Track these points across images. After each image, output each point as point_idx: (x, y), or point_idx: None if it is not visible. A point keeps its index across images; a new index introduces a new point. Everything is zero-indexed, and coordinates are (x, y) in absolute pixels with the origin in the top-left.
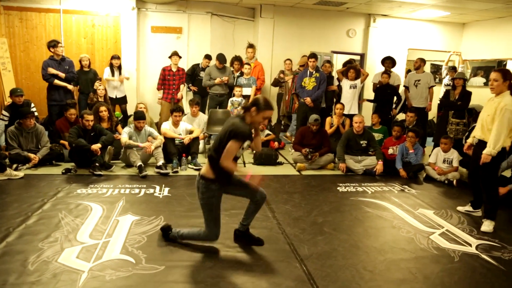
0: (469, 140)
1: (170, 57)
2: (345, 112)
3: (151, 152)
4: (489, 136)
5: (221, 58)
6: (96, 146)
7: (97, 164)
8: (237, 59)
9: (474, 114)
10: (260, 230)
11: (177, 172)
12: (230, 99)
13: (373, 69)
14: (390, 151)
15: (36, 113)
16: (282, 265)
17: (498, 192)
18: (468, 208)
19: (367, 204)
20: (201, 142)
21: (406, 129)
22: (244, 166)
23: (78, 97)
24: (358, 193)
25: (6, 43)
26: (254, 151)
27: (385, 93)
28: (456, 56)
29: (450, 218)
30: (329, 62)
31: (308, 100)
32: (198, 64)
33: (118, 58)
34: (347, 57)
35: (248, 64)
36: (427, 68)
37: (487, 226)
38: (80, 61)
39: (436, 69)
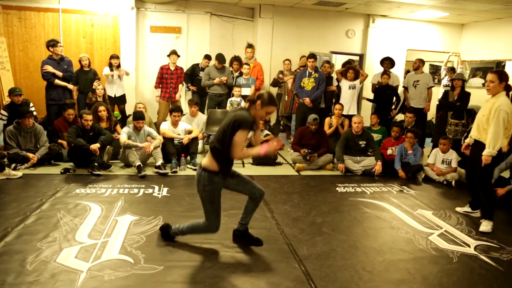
0: (467, 140)
1: (168, 55)
2: (344, 112)
3: (150, 152)
4: (485, 136)
5: (220, 58)
6: (95, 146)
7: (96, 164)
8: (236, 59)
9: (473, 114)
10: (259, 230)
11: (176, 172)
12: (229, 99)
13: (372, 69)
14: (389, 151)
15: (34, 113)
16: (281, 265)
17: (494, 192)
18: (467, 209)
19: (366, 205)
20: (200, 142)
21: (405, 130)
22: (243, 166)
23: (77, 97)
24: (357, 194)
25: (5, 43)
26: None
27: (384, 93)
28: (455, 57)
29: (449, 219)
30: (328, 62)
31: (307, 100)
32: (198, 64)
33: (117, 57)
34: (346, 58)
35: (247, 64)
36: (426, 68)
37: (485, 226)
38: (79, 61)
39: (435, 69)
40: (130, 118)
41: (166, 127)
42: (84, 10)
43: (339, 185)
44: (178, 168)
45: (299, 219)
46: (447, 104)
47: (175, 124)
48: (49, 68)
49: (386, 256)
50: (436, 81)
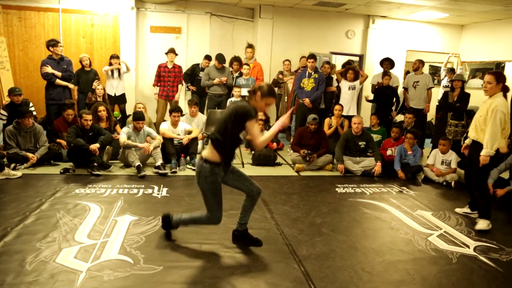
0: (467, 141)
1: (166, 53)
2: (344, 113)
3: (149, 152)
4: (482, 137)
5: (220, 58)
6: (95, 146)
7: (95, 164)
8: (236, 59)
9: (472, 115)
10: (259, 230)
11: (175, 172)
12: (229, 99)
13: (372, 70)
14: (389, 152)
15: (34, 113)
16: (281, 266)
17: (489, 191)
18: (466, 209)
19: (365, 205)
20: (200, 143)
21: (404, 131)
22: (243, 166)
23: (77, 97)
24: (357, 194)
25: (5, 42)
26: (253, 151)
27: (385, 94)
28: (454, 58)
29: (448, 220)
30: (328, 63)
31: (306, 101)
32: (198, 64)
33: (117, 57)
34: (346, 58)
35: (247, 64)
36: (425, 69)
37: (481, 224)
38: (80, 61)
39: (434, 70)
40: (130, 118)
41: (165, 127)
42: (84, 10)
43: (339, 185)
44: (177, 168)
45: (298, 220)
46: (446, 105)
47: (174, 124)
48: (48, 69)
49: (386, 256)
50: (435, 82)
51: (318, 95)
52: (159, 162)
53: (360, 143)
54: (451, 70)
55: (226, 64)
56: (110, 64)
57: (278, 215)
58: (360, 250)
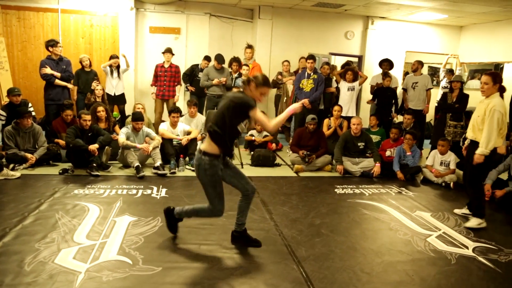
0: (467, 142)
1: (163, 53)
2: (343, 114)
3: (148, 153)
4: (480, 136)
5: (219, 58)
6: (94, 147)
7: (94, 164)
8: (235, 60)
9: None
10: (258, 231)
11: (174, 173)
12: None
13: (371, 71)
14: (388, 153)
15: (33, 113)
16: (280, 267)
17: (483, 191)
18: (465, 210)
19: (364, 206)
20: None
21: (403, 131)
22: (242, 167)
23: (77, 97)
24: (356, 195)
25: (4, 42)
26: (252, 153)
27: (385, 95)
28: (453, 59)
29: (447, 221)
30: (328, 64)
31: (306, 102)
32: (197, 65)
33: (117, 58)
34: (345, 59)
35: (247, 65)
36: (424, 70)
37: (471, 222)
38: (80, 61)
39: (433, 71)
40: (129, 119)
41: (165, 128)
42: (83, 11)
43: (338, 186)
44: (176, 169)
45: (297, 221)
46: (445, 106)
47: (174, 125)
48: (47, 70)
49: (385, 257)
50: (434, 83)
51: (317, 96)
52: (158, 162)
53: (359, 144)
54: (450, 71)
55: (225, 65)
56: (110, 64)
57: (277, 216)
58: (359, 251)
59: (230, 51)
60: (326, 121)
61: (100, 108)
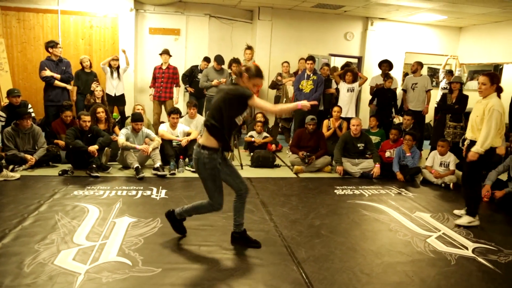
0: (466, 143)
1: (160, 54)
2: (343, 115)
3: (148, 154)
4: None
5: (219, 59)
6: (93, 148)
7: (94, 165)
8: (235, 61)
9: None
10: (257, 232)
11: (174, 174)
12: None
13: (371, 72)
14: (387, 154)
15: (33, 114)
16: (279, 268)
17: (479, 190)
18: (464, 211)
19: (364, 207)
20: None
21: (403, 132)
22: (242, 168)
23: (76, 98)
24: (355, 196)
25: (3, 44)
26: (252, 154)
27: (385, 96)
28: (453, 60)
29: (447, 221)
30: (327, 65)
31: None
32: (197, 66)
33: (117, 59)
34: (344, 60)
35: None
36: (424, 71)
37: (462, 220)
38: (81, 62)
39: (433, 72)
40: (129, 120)
41: (164, 129)
42: (83, 12)
43: (338, 187)
44: (176, 170)
45: (297, 222)
46: (445, 107)
47: (173, 126)
48: (47, 73)
49: (384, 258)
50: (434, 84)
51: (316, 97)
52: (158, 163)
53: (358, 145)
54: (450, 72)
55: (225, 66)
56: (110, 65)
57: (277, 217)
58: (359, 252)
59: (230, 52)
60: (325, 122)
61: (100, 109)
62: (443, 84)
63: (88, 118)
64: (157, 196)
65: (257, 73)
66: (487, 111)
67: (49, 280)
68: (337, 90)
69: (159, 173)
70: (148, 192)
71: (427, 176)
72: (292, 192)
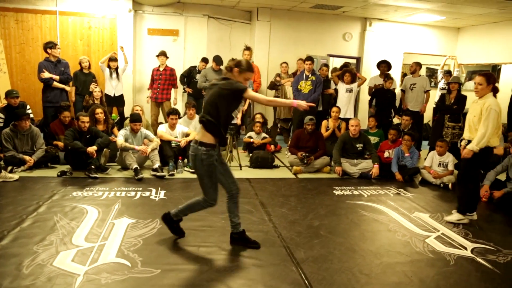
0: (462, 143)
1: (157, 56)
2: (341, 115)
3: (147, 155)
4: None
5: (217, 60)
6: (92, 149)
7: (92, 166)
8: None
9: None
10: (256, 233)
11: (173, 175)
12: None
13: (369, 72)
14: (386, 154)
15: (31, 115)
16: (279, 268)
17: (478, 189)
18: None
19: (363, 208)
20: None
21: (401, 133)
22: (240, 169)
23: (75, 98)
24: (354, 197)
25: (2, 45)
26: (251, 154)
27: (385, 97)
28: (451, 60)
29: (446, 222)
30: (326, 65)
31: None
32: (195, 67)
33: (116, 60)
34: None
35: None
36: (422, 72)
37: (452, 217)
38: (80, 63)
39: (431, 73)
40: (128, 121)
41: (163, 129)
42: (82, 13)
43: (336, 188)
44: (175, 171)
45: (296, 222)
46: (444, 107)
47: (172, 126)
48: (45, 74)
49: (383, 259)
50: (432, 84)
51: (315, 97)
52: (157, 164)
53: (357, 145)
54: (448, 73)
55: (223, 67)
56: (109, 66)
57: (276, 218)
58: (358, 252)
59: (229, 53)
60: (324, 122)
61: (99, 110)
62: (441, 84)
63: (86, 119)
64: (156, 197)
65: (248, 67)
66: (485, 111)
67: (48, 281)
68: (336, 90)
69: (158, 174)
70: (147, 193)
71: (425, 177)
72: (291, 193)
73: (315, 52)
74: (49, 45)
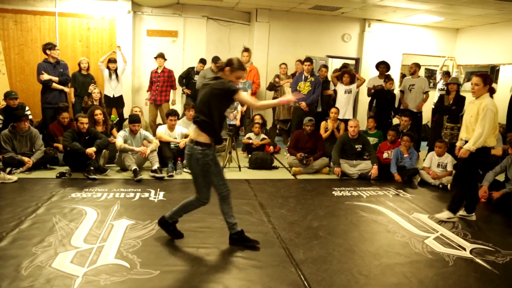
0: (458, 144)
1: (155, 57)
2: (340, 116)
3: (146, 156)
4: None
5: (216, 61)
6: (91, 150)
7: (91, 168)
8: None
9: None
10: (256, 234)
11: (172, 176)
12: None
13: (368, 73)
14: (385, 155)
15: (30, 116)
16: (278, 269)
17: (476, 190)
18: (462, 212)
19: (362, 209)
20: None
21: (400, 134)
22: (240, 170)
23: (74, 100)
24: (353, 198)
25: (1, 46)
26: (250, 155)
27: (385, 98)
28: (450, 61)
29: (445, 222)
30: (326, 66)
31: (303, 104)
32: (193, 68)
33: (115, 61)
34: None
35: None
36: (421, 73)
37: (442, 214)
38: (79, 64)
39: (430, 73)
40: (127, 122)
41: (162, 131)
42: (81, 14)
43: (335, 189)
44: (174, 172)
45: (295, 223)
46: (442, 108)
47: (171, 128)
48: (45, 76)
49: (383, 259)
50: (431, 85)
51: (314, 98)
52: (156, 166)
53: (356, 146)
54: (447, 73)
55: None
56: (108, 67)
57: (275, 219)
58: (357, 253)
59: (228, 54)
60: (323, 123)
61: (98, 111)
62: (440, 85)
63: (85, 120)
64: (155, 198)
65: (239, 66)
66: (481, 111)
67: (47, 283)
68: (335, 91)
69: (157, 175)
70: (146, 194)
71: (424, 177)
72: (290, 194)
73: (314, 53)
74: (48, 46)
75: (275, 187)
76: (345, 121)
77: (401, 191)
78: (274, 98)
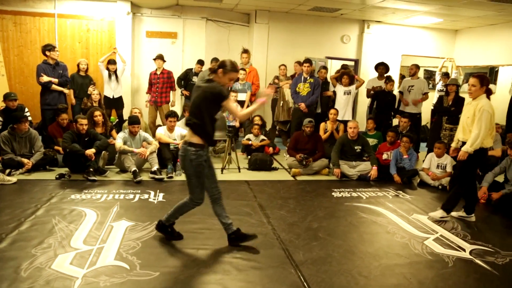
0: (453, 144)
1: (154, 59)
2: (339, 118)
3: (146, 157)
4: None
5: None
6: (90, 151)
7: (91, 169)
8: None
9: None
10: None
11: (171, 177)
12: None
13: (367, 74)
14: (385, 156)
15: (29, 118)
16: (277, 270)
17: (475, 191)
18: (462, 213)
19: (361, 210)
20: None
21: (400, 135)
22: (239, 171)
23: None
24: (353, 199)
25: (0, 47)
26: (249, 157)
27: (385, 99)
28: (449, 62)
29: (444, 224)
30: (325, 67)
31: (302, 105)
32: (191, 69)
33: (114, 63)
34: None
35: (243, 69)
36: (420, 74)
37: (436, 213)
38: (78, 65)
39: (429, 75)
40: (126, 123)
41: (162, 132)
42: (80, 15)
43: (335, 190)
44: (173, 173)
45: (295, 224)
46: (441, 109)
47: (171, 129)
48: (44, 78)
49: (382, 261)
50: (430, 86)
51: (313, 99)
52: (155, 167)
53: (356, 148)
54: (446, 75)
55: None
56: (107, 69)
57: (274, 220)
58: (356, 254)
59: (227, 55)
60: (322, 124)
61: (97, 113)
62: (439, 86)
63: (85, 121)
64: (154, 199)
65: (232, 68)
66: (477, 112)
67: (46, 284)
68: (335, 93)
69: (156, 176)
70: (146, 196)
71: (424, 178)
72: (289, 195)
73: (314, 54)
74: (48, 48)
75: (274, 188)
76: (345, 122)
77: (400, 192)
78: (273, 99)
